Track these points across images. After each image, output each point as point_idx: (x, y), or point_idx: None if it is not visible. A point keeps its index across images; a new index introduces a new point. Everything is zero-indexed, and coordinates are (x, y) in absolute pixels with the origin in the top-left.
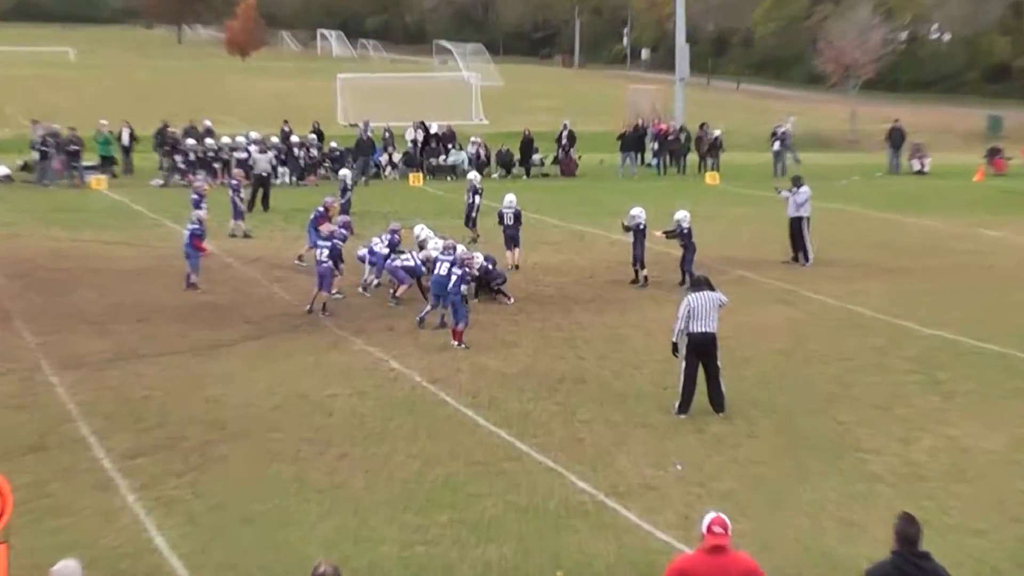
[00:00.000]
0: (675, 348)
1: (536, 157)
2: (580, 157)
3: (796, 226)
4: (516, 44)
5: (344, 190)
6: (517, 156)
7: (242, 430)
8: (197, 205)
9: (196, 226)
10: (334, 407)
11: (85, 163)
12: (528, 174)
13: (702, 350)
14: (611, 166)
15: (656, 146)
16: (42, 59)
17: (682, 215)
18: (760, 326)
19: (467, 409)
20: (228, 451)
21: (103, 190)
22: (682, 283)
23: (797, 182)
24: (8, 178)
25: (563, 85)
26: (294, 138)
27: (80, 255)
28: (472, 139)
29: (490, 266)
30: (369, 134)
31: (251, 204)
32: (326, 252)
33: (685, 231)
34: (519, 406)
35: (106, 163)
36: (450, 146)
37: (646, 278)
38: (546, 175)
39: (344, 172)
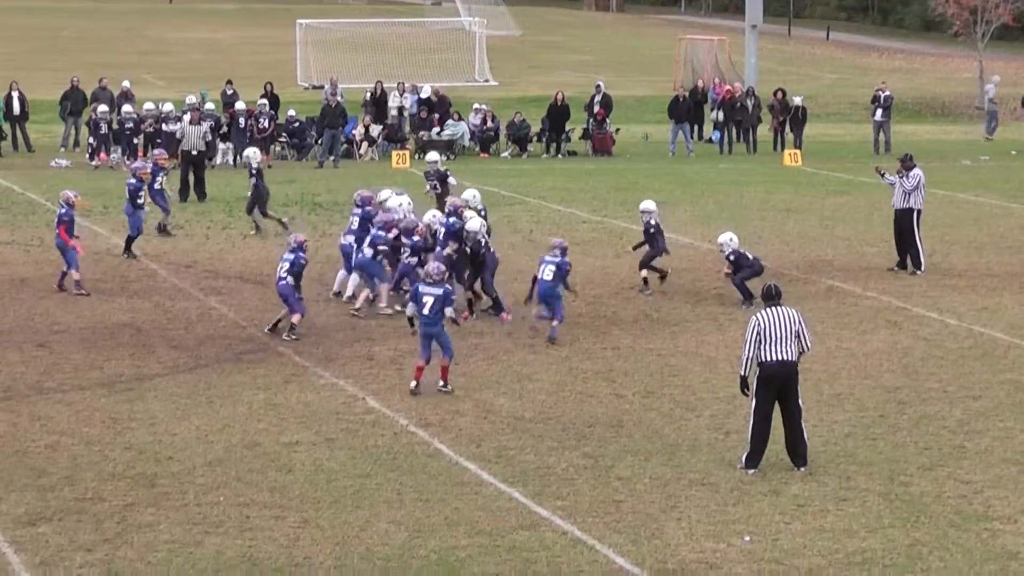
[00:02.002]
0: (744, 384)
1: None
2: (618, 130)
3: (905, 221)
4: None
5: (252, 176)
6: (536, 128)
7: (173, 490)
8: (135, 195)
9: (64, 210)
10: (293, 460)
11: None
12: (556, 151)
13: (779, 384)
14: (659, 142)
15: (719, 116)
16: None
17: (725, 239)
18: (858, 354)
19: (469, 462)
20: (155, 517)
21: None
22: (746, 302)
23: (906, 163)
24: None
25: (596, 35)
26: (239, 104)
27: None
28: (475, 105)
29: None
30: (339, 98)
31: (183, 191)
32: (286, 267)
33: (730, 258)
34: (537, 459)
35: None
36: (439, 115)
37: (645, 280)
38: (573, 153)
39: (250, 153)
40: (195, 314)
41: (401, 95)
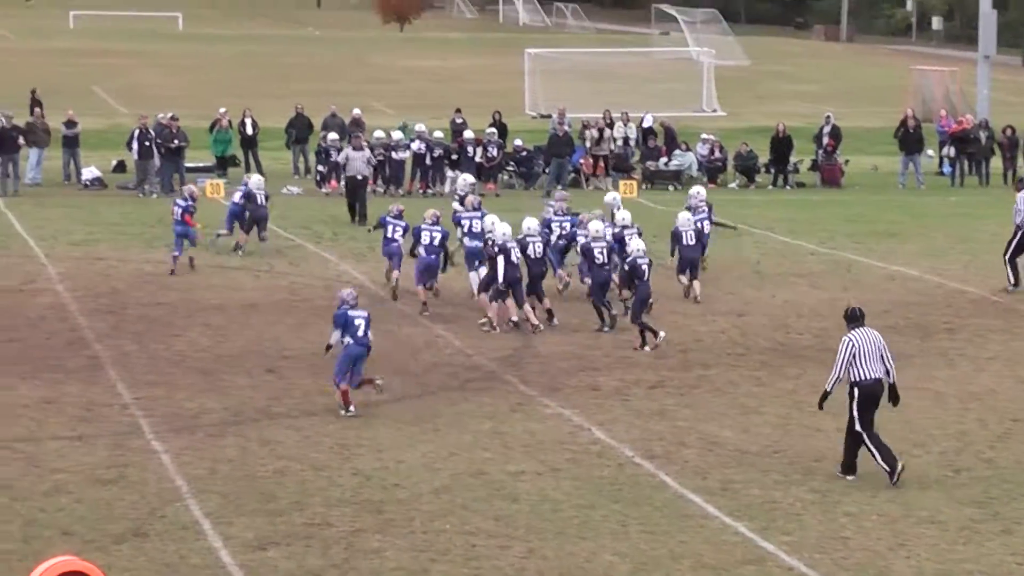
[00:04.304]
0: (824, 399)
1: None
2: (847, 161)
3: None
4: (762, 10)
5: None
6: (764, 159)
7: (400, 517)
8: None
9: (191, 202)
10: (519, 489)
11: (193, 163)
12: (782, 182)
13: (875, 401)
14: (888, 173)
15: (951, 151)
16: (144, 28)
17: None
18: None
19: (694, 495)
20: (381, 544)
21: (220, 199)
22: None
23: (1018, 185)
24: (98, 182)
25: (825, 65)
26: (468, 133)
27: (186, 285)
28: (703, 136)
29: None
30: (567, 127)
31: (351, 214)
32: (400, 231)
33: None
34: (763, 493)
35: (223, 164)
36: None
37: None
38: (801, 184)
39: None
40: (422, 341)
41: (625, 124)
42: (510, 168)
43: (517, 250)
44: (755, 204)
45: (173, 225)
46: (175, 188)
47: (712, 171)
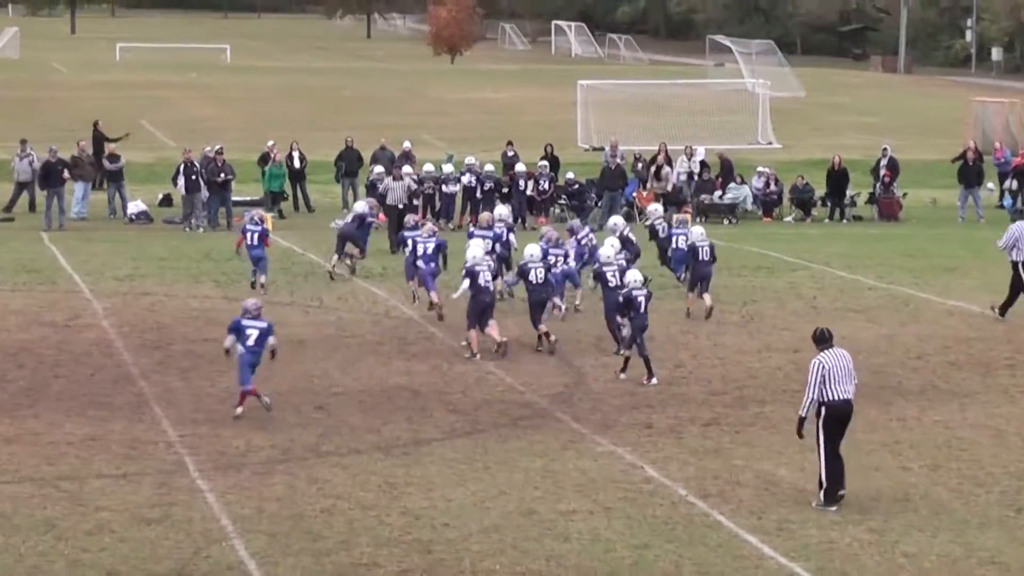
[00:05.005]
0: (802, 426)
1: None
2: (905, 194)
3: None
4: (818, 41)
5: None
6: (820, 192)
7: (449, 557)
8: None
9: (262, 226)
10: (570, 529)
11: (239, 197)
12: (838, 216)
13: (843, 421)
14: (947, 207)
15: (1013, 184)
16: (191, 60)
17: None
18: None
19: (749, 535)
20: None
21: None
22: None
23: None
24: (145, 216)
25: (883, 96)
26: (519, 166)
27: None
28: (758, 169)
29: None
30: (619, 160)
31: (392, 244)
32: (432, 246)
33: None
34: (819, 532)
35: (275, 199)
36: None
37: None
38: (858, 218)
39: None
40: (473, 378)
41: (689, 159)
42: (562, 201)
43: (487, 273)
44: (811, 238)
45: (248, 251)
46: (220, 222)
47: (768, 204)
